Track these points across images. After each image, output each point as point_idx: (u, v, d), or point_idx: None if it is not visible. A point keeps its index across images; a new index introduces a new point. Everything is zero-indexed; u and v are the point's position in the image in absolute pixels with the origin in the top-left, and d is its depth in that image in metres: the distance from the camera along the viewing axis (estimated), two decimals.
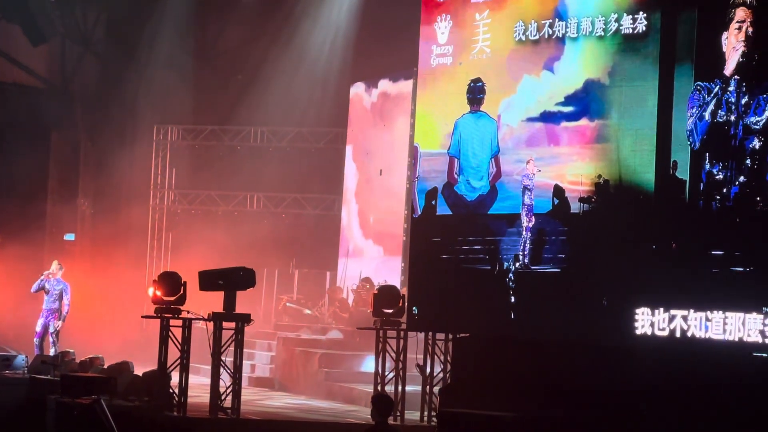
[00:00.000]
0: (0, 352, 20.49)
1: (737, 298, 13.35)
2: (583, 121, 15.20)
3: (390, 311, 18.08)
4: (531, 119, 15.88)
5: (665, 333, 13.96)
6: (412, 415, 17.82)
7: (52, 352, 20.78)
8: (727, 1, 13.66)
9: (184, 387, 16.98)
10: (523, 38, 16.03)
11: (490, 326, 16.16)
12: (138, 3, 28.42)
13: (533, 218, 15.74)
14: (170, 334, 17.07)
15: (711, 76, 13.76)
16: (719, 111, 13.66)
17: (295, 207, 27.81)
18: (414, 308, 17.38)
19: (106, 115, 28.46)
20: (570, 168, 15.29)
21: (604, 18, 15.04)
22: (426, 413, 17.74)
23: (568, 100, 15.39)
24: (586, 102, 15.16)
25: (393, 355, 18.04)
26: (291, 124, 27.66)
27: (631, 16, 14.75)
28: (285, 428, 17.02)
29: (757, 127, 13.38)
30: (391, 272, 24.00)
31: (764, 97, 13.30)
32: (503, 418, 14.54)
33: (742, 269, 13.36)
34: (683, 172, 13.94)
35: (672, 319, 13.93)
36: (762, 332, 13.10)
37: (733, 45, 13.61)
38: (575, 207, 15.17)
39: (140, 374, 18.16)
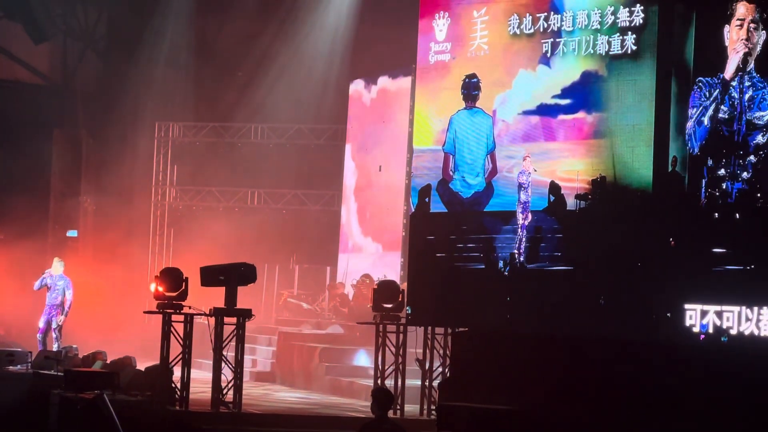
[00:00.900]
0: (4, 347, 20.59)
1: (736, 296, 13.39)
2: (581, 114, 15.12)
3: (390, 306, 18.15)
4: (527, 112, 15.78)
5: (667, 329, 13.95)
6: (412, 409, 17.92)
7: (55, 347, 20.83)
8: None
9: (186, 382, 17.07)
10: (518, 32, 15.95)
11: (488, 324, 16.14)
12: (139, 1, 28.49)
13: (529, 215, 15.68)
14: (172, 329, 17.18)
15: (712, 71, 13.70)
16: (721, 107, 13.56)
17: (295, 203, 27.84)
18: (407, 308, 17.46)
19: (107, 113, 28.47)
20: (564, 164, 15.24)
21: (600, 11, 14.97)
22: (425, 407, 17.82)
23: (565, 93, 15.29)
24: (583, 94, 15.07)
25: (393, 349, 18.15)
26: (291, 121, 27.71)
27: (627, 9, 14.67)
28: (286, 422, 17.02)
29: (760, 122, 13.36)
30: (390, 267, 24.05)
31: None
32: (502, 411, 14.61)
33: (742, 267, 13.35)
34: (682, 169, 13.91)
35: (676, 314, 13.86)
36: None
37: (735, 40, 13.53)
38: (571, 204, 15.14)
39: (142, 369, 18.24)
